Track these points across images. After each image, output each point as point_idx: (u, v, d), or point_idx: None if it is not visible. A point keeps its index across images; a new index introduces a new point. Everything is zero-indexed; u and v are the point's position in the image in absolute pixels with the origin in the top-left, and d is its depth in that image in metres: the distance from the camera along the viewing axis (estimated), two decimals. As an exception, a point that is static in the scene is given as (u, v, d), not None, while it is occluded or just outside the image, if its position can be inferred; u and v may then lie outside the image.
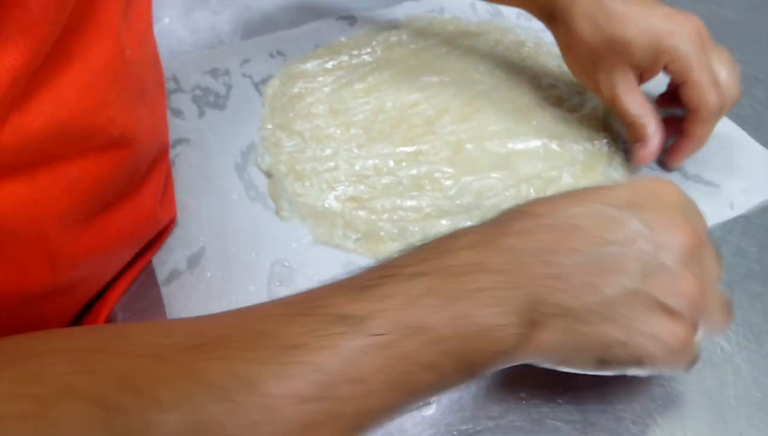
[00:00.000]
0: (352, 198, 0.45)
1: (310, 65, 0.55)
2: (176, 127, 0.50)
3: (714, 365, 0.37)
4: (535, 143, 0.49)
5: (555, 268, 0.28)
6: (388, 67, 0.55)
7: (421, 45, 0.58)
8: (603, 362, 0.29)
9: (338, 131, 0.50)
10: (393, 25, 0.60)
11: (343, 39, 0.59)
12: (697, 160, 0.48)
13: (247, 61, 0.56)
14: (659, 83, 0.48)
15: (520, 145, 0.49)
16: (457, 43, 0.58)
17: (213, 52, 0.58)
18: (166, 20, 0.62)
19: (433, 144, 0.48)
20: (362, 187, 0.45)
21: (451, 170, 0.47)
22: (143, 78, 0.36)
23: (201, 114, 0.52)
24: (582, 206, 0.30)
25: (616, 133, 0.50)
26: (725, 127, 0.51)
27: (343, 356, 0.25)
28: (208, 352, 0.24)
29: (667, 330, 0.28)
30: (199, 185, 0.46)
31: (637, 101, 0.45)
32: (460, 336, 0.26)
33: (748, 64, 0.56)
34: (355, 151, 0.48)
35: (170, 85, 0.54)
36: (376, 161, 0.47)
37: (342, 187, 0.46)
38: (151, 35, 0.40)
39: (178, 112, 0.52)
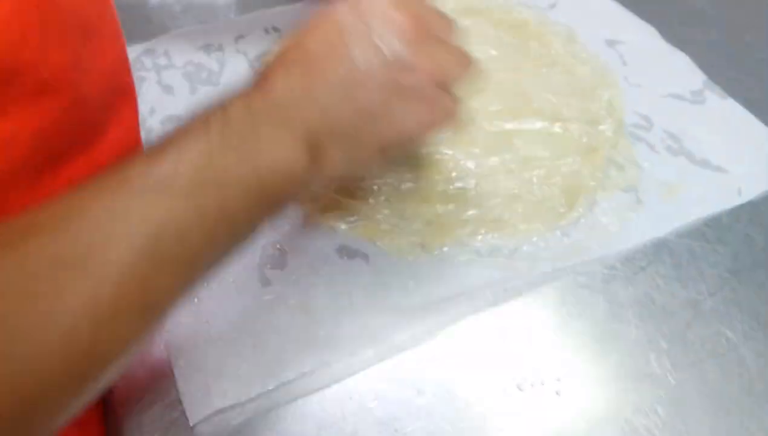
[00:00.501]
0: (347, 178, 0.43)
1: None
2: (167, 104, 0.49)
3: (718, 355, 0.35)
4: (537, 125, 0.47)
5: (316, 98, 0.31)
6: (387, 46, 0.54)
7: (422, 23, 0.56)
8: (383, 150, 0.33)
9: (334, 110, 0.48)
10: None
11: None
12: (704, 144, 0.46)
13: (241, 36, 0.55)
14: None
15: (521, 127, 0.47)
16: (458, 20, 0.56)
17: (206, 27, 0.56)
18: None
19: (432, 124, 0.47)
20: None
21: (450, 152, 0.45)
22: (82, 13, 0.33)
23: (193, 90, 0.50)
24: (318, 38, 0.33)
25: (620, 117, 0.48)
26: (734, 110, 0.49)
27: (151, 217, 0.26)
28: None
29: (413, 96, 0.33)
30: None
31: None
32: (257, 176, 0.28)
33: (756, 47, 0.55)
34: (352, 130, 0.46)
35: (161, 60, 0.52)
36: (373, 141, 0.46)
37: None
38: None
39: (169, 89, 0.50)
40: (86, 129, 0.35)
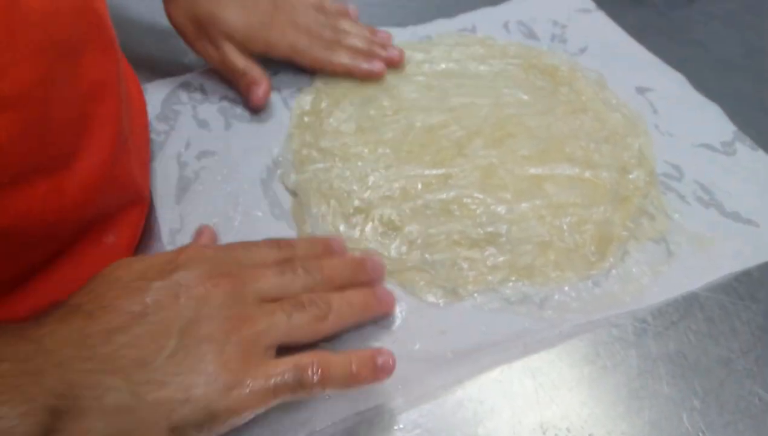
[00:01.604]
0: (378, 222, 0.44)
1: (338, 81, 0.54)
2: (202, 139, 0.50)
3: (752, 416, 0.35)
4: (568, 171, 0.47)
5: (92, 350, 0.27)
6: (418, 86, 0.54)
7: (452, 64, 0.57)
8: (175, 429, 0.27)
9: (366, 150, 0.49)
10: (424, 43, 0.59)
11: (373, 55, 0.58)
12: (735, 197, 0.47)
13: (275, 74, 0.55)
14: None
15: (552, 172, 0.47)
16: (488, 63, 0.57)
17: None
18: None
19: (463, 167, 0.47)
20: (389, 211, 0.44)
21: (481, 196, 0.45)
22: (59, 32, 0.31)
23: (227, 126, 0.51)
24: (118, 288, 0.29)
25: (651, 166, 0.48)
26: (765, 163, 0.49)
27: None
28: None
29: (217, 368, 0.28)
30: (223, 200, 0.45)
31: (241, 58, 0.51)
32: None
33: (788, 98, 0.55)
34: (383, 171, 0.47)
35: (197, 95, 0.53)
36: (404, 183, 0.46)
37: (368, 208, 0.44)
38: None
39: (204, 124, 0.51)
40: (52, 152, 0.32)
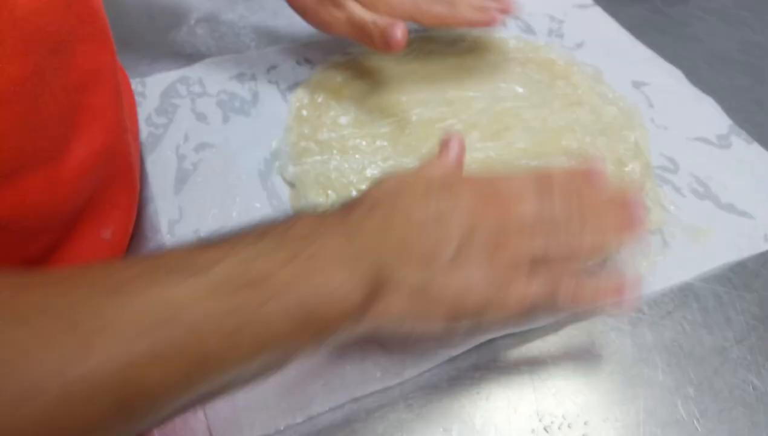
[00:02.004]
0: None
1: (337, 74, 0.55)
2: (201, 132, 0.50)
3: (746, 404, 0.35)
4: (566, 164, 0.47)
5: (396, 239, 0.31)
6: (416, 79, 0.55)
7: (450, 58, 0.57)
8: (451, 317, 0.31)
9: (364, 143, 0.49)
10: (422, 37, 0.59)
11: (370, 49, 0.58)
12: (730, 189, 0.47)
13: (273, 67, 0.56)
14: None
15: (548, 165, 0.47)
16: (486, 58, 0.57)
17: (240, 56, 0.57)
18: (192, 22, 0.62)
19: (461, 160, 0.47)
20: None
21: (478, 188, 0.46)
22: (50, 28, 0.31)
23: (226, 119, 0.51)
24: (410, 194, 0.34)
25: (647, 159, 0.49)
26: (759, 155, 0.50)
27: (169, 299, 0.24)
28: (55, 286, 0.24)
29: (489, 273, 0.32)
30: (221, 192, 0.46)
31: (368, 12, 0.50)
32: (297, 294, 0.27)
33: (783, 93, 0.55)
34: (381, 164, 0.47)
35: (196, 88, 0.53)
36: (402, 175, 0.46)
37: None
38: None
39: (202, 117, 0.51)
40: (44, 144, 0.33)
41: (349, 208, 0.32)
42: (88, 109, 0.36)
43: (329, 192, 0.45)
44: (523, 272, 0.33)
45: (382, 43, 0.48)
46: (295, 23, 0.61)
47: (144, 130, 0.50)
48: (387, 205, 0.33)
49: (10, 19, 0.29)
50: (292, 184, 0.46)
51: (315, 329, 0.27)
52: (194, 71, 0.55)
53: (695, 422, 0.35)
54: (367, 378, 0.36)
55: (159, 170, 0.47)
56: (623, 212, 0.36)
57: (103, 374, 0.22)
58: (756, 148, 0.50)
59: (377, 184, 0.34)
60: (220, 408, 0.35)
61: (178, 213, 0.44)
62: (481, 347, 0.38)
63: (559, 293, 0.33)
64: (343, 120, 0.51)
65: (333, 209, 0.32)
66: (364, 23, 0.49)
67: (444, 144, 0.39)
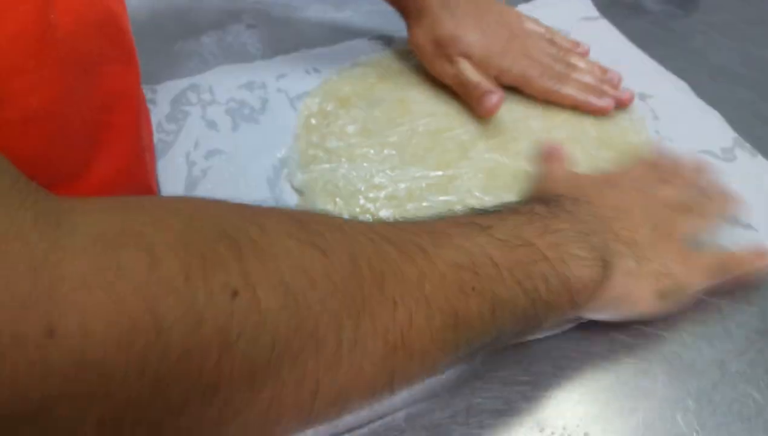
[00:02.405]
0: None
1: (345, 84, 0.55)
2: (210, 139, 0.51)
3: (745, 418, 0.36)
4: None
5: (602, 225, 0.37)
6: (423, 89, 0.55)
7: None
8: (660, 294, 0.37)
9: (372, 151, 0.50)
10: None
11: (378, 58, 0.59)
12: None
13: (282, 76, 0.56)
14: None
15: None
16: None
17: (249, 65, 0.58)
18: (200, 31, 0.62)
19: (467, 169, 0.48)
20: (394, 211, 0.45)
21: (484, 198, 0.46)
22: (84, 48, 0.33)
23: (235, 127, 0.52)
24: (598, 190, 0.41)
25: (651, 170, 0.49)
26: (763, 170, 0.50)
27: (480, 245, 0.31)
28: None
29: (677, 255, 0.39)
30: (230, 199, 0.46)
31: (476, 73, 0.53)
32: (554, 259, 0.33)
33: (786, 107, 0.56)
34: (389, 172, 0.48)
35: (206, 96, 0.54)
36: (410, 185, 0.47)
37: (373, 208, 0.45)
38: (106, 7, 0.35)
39: (212, 124, 0.52)
40: (70, 162, 0.34)
41: (547, 202, 0.37)
42: (111, 128, 0.37)
43: (337, 199, 0.46)
44: (692, 247, 0.40)
45: (477, 105, 0.52)
46: (303, 33, 0.63)
47: (154, 137, 0.51)
48: (581, 200, 0.38)
49: (51, 39, 0.29)
50: (300, 192, 0.47)
51: (568, 294, 0.33)
52: (204, 79, 0.56)
53: (694, 434, 0.35)
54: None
55: (169, 177, 0.48)
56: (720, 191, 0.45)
57: (443, 289, 0.29)
58: (760, 161, 0.51)
59: (542, 189, 0.43)
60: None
61: (188, 219, 0.45)
62: (481, 357, 0.38)
63: (727, 265, 0.40)
64: (351, 129, 0.51)
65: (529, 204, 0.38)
66: (468, 83, 0.53)
67: (547, 157, 0.48)
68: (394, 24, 0.58)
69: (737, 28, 0.65)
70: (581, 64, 0.56)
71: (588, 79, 0.55)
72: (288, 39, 0.62)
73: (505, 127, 0.52)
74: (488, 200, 0.46)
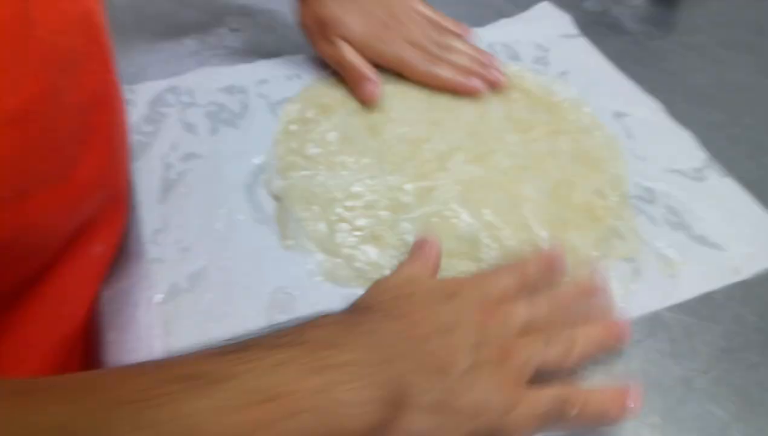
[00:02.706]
0: (359, 229, 0.45)
1: (326, 91, 0.56)
2: (188, 142, 0.50)
3: (709, 434, 0.37)
4: (546, 189, 0.49)
5: (412, 351, 0.31)
6: (404, 98, 0.56)
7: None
8: (471, 432, 0.30)
9: (351, 160, 0.50)
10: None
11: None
12: (703, 221, 0.48)
13: (264, 81, 0.56)
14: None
15: (530, 191, 0.49)
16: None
17: (230, 69, 0.58)
18: (182, 33, 0.62)
19: (445, 181, 0.49)
20: (371, 220, 0.45)
21: (461, 210, 0.47)
22: (63, 46, 0.32)
23: (214, 130, 0.52)
24: (417, 302, 0.34)
25: (625, 188, 0.50)
26: (732, 189, 0.51)
27: (181, 413, 0.24)
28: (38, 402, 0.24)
29: (498, 390, 0.32)
30: (206, 203, 0.46)
31: (357, 56, 0.54)
32: (318, 409, 0.26)
33: (756, 130, 0.57)
34: (367, 181, 0.48)
35: (185, 98, 0.54)
36: (387, 194, 0.47)
37: (350, 217, 0.46)
38: (85, 4, 0.35)
39: (191, 127, 0.52)
40: (56, 162, 0.34)
41: (360, 314, 0.32)
42: (96, 128, 0.37)
43: (314, 207, 0.46)
44: (526, 382, 0.33)
45: (355, 90, 0.54)
46: (286, 38, 0.63)
47: (131, 138, 0.50)
48: (396, 315, 0.32)
49: (32, 36, 0.29)
50: (277, 198, 0.47)
51: None
52: (184, 81, 0.55)
53: (660, 450, 0.36)
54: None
55: (144, 179, 0.47)
56: (606, 316, 0.39)
57: None
58: (729, 182, 0.52)
59: (378, 292, 0.35)
60: None
61: (162, 222, 0.45)
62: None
63: (568, 404, 0.33)
64: (331, 136, 0.52)
65: (345, 313, 0.33)
66: (346, 66, 0.54)
67: (418, 246, 0.41)
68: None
69: (712, 50, 0.67)
70: (458, 45, 0.58)
71: (463, 60, 0.56)
72: (271, 44, 0.62)
73: (483, 139, 0.52)
74: (461, 212, 0.46)
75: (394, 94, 0.56)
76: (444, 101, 0.56)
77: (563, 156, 0.52)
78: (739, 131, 0.57)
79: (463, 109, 0.55)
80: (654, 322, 0.42)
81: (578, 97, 0.58)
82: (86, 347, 0.40)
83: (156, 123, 0.52)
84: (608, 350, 0.39)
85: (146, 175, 0.48)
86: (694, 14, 0.72)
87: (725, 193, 0.51)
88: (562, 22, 0.68)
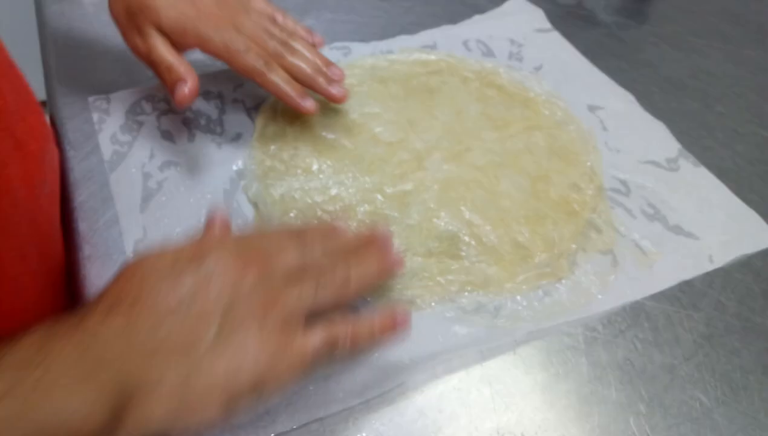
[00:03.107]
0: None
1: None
2: (166, 150, 0.50)
3: (693, 420, 0.37)
4: (523, 186, 0.49)
5: (143, 338, 0.29)
6: (380, 100, 0.56)
7: (413, 80, 0.59)
8: (226, 401, 0.29)
9: (328, 162, 0.50)
10: (386, 58, 0.61)
11: (336, 68, 0.59)
12: (678, 211, 0.49)
13: (239, 85, 0.56)
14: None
15: (507, 187, 0.49)
16: (448, 80, 0.59)
17: (206, 75, 0.57)
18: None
19: (423, 181, 0.49)
20: (351, 222, 0.45)
21: (439, 209, 0.47)
22: None
23: (191, 137, 0.51)
24: (154, 281, 0.31)
25: (600, 181, 0.51)
26: (706, 178, 0.52)
27: None
28: None
29: (261, 342, 0.31)
30: (186, 211, 0.46)
31: (170, 52, 0.46)
32: (33, 426, 0.25)
33: (728, 117, 0.58)
34: (345, 183, 0.48)
35: (161, 105, 0.54)
36: (366, 196, 0.47)
37: (330, 219, 0.45)
38: None
39: (168, 135, 0.51)
40: None
41: (87, 310, 0.30)
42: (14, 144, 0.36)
43: (294, 212, 0.46)
44: (299, 327, 0.32)
45: (170, 92, 0.46)
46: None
47: (108, 148, 0.50)
48: (129, 300, 0.30)
49: None
50: (256, 204, 0.47)
51: None
52: (160, 89, 0.55)
53: (646, 438, 0.36)
54: (330, 398, 0.37)
55: (124, 189, 0.47)
56: (381, 251, 0.37)
57: None
58: (702, 171, 0.53)
59: (118, 275, 0.32)
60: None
61: (143, 232, 0.44)
62: (441, 366, 0.39)
63: (339, 339, 0.33)
64: (309, 138, 0.51)
65: (72, 315, 0.30)
66: (160, 64, 0.46)
67: (209, 222, 0.38)
68: (356, 33, 0.59)
69: (685, 40, 0.68)
70: (301, 49, 0.50)
71: (303, 66, 0.49)
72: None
73: (460, 137, 0.53)
74: (439, 211, 0.47)
75: (368, 94, 0.56)
76: (420, 100, 0.56)
77: (539, 151, 0.52)
78: (713, 120, 0.58)
79: (439, 107, 0.55)
80: (637, 312, 0.43)
81: (553, 91, 0.59)
82: None
83: (133, 132, 0.51)
84: (383, 279, 0.40)
85: (125, 186, 0.47)
86: (667, 4, 0.74)
87: (699, 182, 0.52)
88: (535, 17, 0.68)
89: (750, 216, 0.49)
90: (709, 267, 0.46)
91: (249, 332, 0.31)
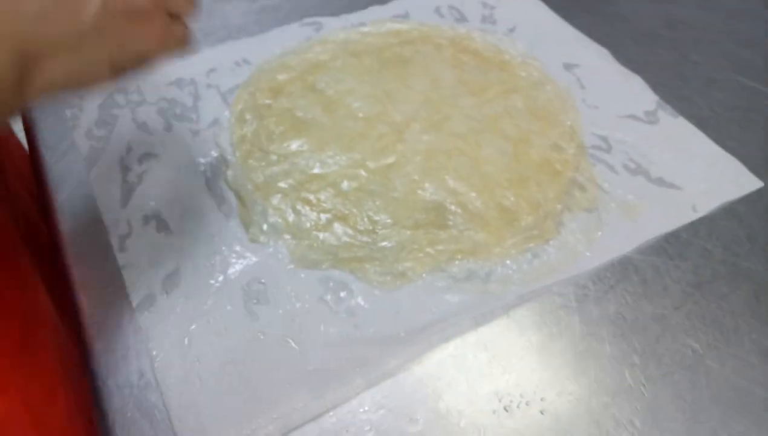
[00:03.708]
0: (325, 211, 0.45)
1: (276, 73, 0.55)
2: (143, 142, 0.49)
3: (686, 367, 0.38)
4: (504, 150, 0.49)
5: (29, 7, 0.29)
6: (355, 74, 0.55)
7: (387, 51, 0.58)
8: (116, 66, 0.32)
9: (308, 141, 0.49)
10: (358, 31, 0.60)
11: (308, 45, 0.58)
12: (659, 163, 0.49)
13: (212, 70, 0.55)
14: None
15: (488, 152, 0.49)
16: (421, 49, 0.58)
17: (177, 61, 0.56)
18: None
19: (404, 153, 0.49)
20: (335, 200, 0.45)
21: (423, 180, 0.47)
22: None
23: (168, 127, 0.51)
24: None
25: (580, 140, 0.51)
26: (685, 129, 0.52)
27: None
28: None
29: (141, 19, 0.33)
30: (170, 203, 0.45)
31: None
32: None
33: (704, 66, 0.58)
34: (327, 161, 0.48)
35: (134, 96, 0.53)
36: (348, 172, 0.47)
37: (314, 199, 0.45)
38: None
39: (143, 126, 0.51)
40: None
41: None
42: None
43: (277, 195, 0.46)
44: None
45: None
46: (230, 23, 0.61)
47: (85, 144, 0.49)
48: None
49: None
50: (237, 190, 0.47)
51: None
52: (131, 79, 0.54)
53: (641, 388, 0.37)
54: (328, 375, 0.37)
55: (104, 185, 0.46)
56: None
57: None
58: (681, 121, 0.53)
59: None
60: (186, 419, 0.35)
61: (127, 227, 0.44)
62: (436, 336, 0.39)
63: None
64: (286, 119, 0.51)
65: None
66: None
67: None
68: (325, 8, 0.58)
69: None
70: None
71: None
72: (214, 31, 0.60)
73: (437, 106, 0.52)
74: (422, 182, 0.47)
75: (343, 69, 0.56)
76: (395, 71, 0.56)
77: (518, 114, 0.52)
78: (689, 69, 0.58)
79: (415, 77, 0.55)
80: (625, 266, 0.43)
81: (528, 52, 0.58)
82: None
83: (108, 126, 0.50)
84: None
85: (105, 182, 0.47)
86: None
87: (679, 133, 0.52)
88: (504, -21, 0.68)
89: (730, 163, 0.50)
90: (694, 216, 0.46)
91: (141, 16, 0.32)
